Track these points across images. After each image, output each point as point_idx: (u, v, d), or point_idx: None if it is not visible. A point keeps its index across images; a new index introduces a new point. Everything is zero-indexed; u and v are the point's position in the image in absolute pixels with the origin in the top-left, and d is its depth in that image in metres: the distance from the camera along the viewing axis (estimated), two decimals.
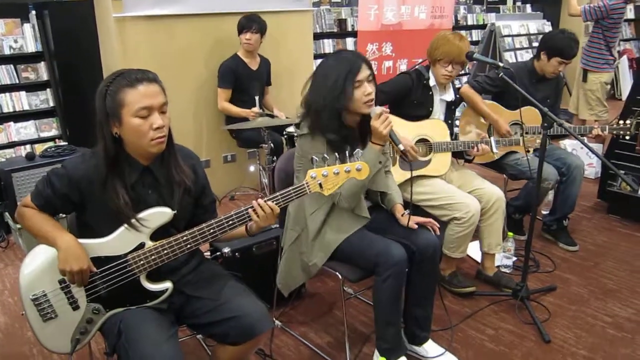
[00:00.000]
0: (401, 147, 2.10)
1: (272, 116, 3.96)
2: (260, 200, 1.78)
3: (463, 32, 7.40)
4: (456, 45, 2.82)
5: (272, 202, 1.79)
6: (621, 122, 3.20)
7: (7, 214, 3.53)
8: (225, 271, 2.02)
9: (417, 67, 3.05)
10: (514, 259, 3.23)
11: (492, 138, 2.95)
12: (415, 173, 2.84)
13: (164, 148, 1.77)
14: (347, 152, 1.80)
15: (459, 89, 3.26)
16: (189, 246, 1.76)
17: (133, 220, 1.73)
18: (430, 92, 2.94)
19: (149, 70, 1.74)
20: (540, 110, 2.55)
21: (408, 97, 2.91)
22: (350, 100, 2.11)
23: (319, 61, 5.72)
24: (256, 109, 3.80)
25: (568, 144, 4.73)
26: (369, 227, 2.29)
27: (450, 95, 3.01)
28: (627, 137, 3.24)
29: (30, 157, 3.60)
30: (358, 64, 2.10)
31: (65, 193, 1.75)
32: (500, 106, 3.40)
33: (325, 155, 1.80)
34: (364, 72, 2.11)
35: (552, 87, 3.49)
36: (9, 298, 3.08)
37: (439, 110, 3.00)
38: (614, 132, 3.22)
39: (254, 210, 1.78)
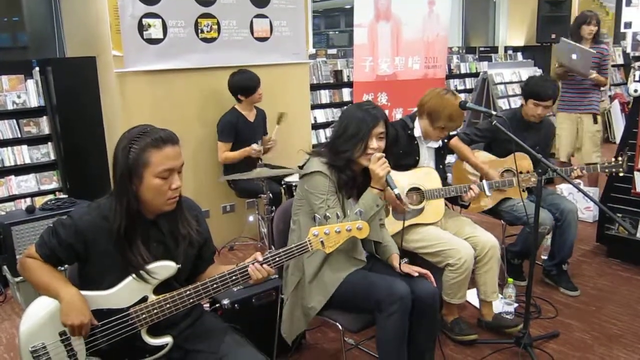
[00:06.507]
0: (396, 191, 2.16)
1: (271, 167, 4.00)
2: (257, 265, 1.79)
3: (457, 81, 7.65)
4: (456, 105, 2.76)
5: (275, 257, 1.81)
6: (613, 159, 3.22)
7: (5, 267, 3.51)
8: (224, 323, 2.00)
9: (401, 117, 3.08)
10: (516, 305, 3.20)
11: (484, 181, 2.97)
12: (410, 222, 2.86)
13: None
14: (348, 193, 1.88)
15: (449, 138, 3.25)
16: (191, 301, 1.77)
17: (142, 272, 1.74)
18: (416, 142, 2.97)
19: (172, 132, 1.78)
20: (533, 157, 2.59)
21: (394, 147, 2.88)
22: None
23: (316, 111, 5.93)
24: (256, 146, 4.02)
25: (564, 189, 4.77)
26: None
27: (436, 142, 3.02)
28: (621, 174, 3.24)
29: (30, 210, 3.61)
30: (378, 120, 2.25)
31: (71, 243, 1.75)
32: (491, 155, 3.44)
33: (328, 214, 1.86)
34: (379, 129, 2.25)
35: (542, 134, 3.54)
36: (4, 354, 3.03)
37: (427, 158, 3.02)
38: (607, 170, 3.23)
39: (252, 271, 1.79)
